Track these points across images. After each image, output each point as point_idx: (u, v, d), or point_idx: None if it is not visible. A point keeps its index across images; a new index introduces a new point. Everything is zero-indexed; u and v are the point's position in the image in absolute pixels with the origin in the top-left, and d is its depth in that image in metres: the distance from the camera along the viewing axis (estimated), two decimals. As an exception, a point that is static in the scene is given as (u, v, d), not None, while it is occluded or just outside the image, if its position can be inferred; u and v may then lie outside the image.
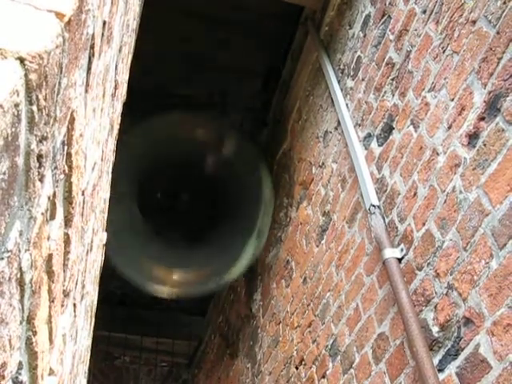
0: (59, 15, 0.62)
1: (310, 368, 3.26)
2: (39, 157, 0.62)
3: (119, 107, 2.34)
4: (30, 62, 0.52)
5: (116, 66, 1.81)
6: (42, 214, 0.71)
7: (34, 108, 0.56)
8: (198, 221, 5.36)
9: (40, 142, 0.61)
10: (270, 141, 5.08)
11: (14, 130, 0.50)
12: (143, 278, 4.70)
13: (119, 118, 2.44)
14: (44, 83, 0.57)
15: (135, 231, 4.84)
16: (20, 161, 0.55)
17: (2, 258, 0.54)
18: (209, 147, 4.81)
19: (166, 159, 4.88)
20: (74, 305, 1.44)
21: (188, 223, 5.44)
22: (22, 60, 0.52)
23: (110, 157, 2.28)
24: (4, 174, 0.49)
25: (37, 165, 0.62)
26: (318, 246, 3.48)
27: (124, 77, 2.36)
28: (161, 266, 4.91)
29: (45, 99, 0.59)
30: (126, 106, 2.66)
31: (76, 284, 1.40)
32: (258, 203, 4.71)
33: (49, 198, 0.75)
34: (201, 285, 4.92)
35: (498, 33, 1.98)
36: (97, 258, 2.19)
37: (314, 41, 4.07)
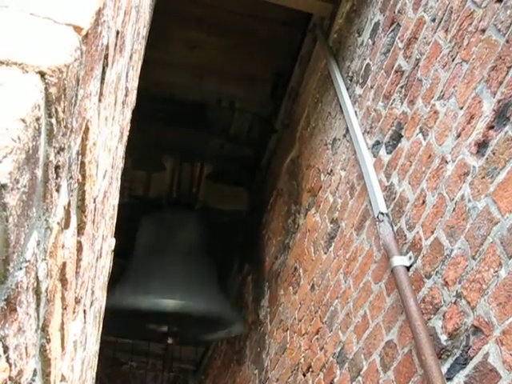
0: (77, 29, 0.63)
1: (318, 375, 3.25)
2: (57, 168, 0.63)
3: (129, 114, 2.36)
4: (51, 75, 0.53)
5: (127, 74, 1.82)
6: (58, 223, 0.72)
7: (53, 120, 0.56)
8: None
9: (58, 153, 0.62)
10: (279, 147, 5.10)
11: (34, 143, 0.51)
12: None
13: (129, 124, 2.45)
14: (63, 96, 0.58)
15: None
16: (39, 173, 0.56)
17: (21, 268, 0.55)
18: None
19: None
20: (84, 311, 1.45)
21: None
22: (42, 74, 0.53)
23: (120, 163, 2.29)
24: (25, 186, 0.50)
25: (54, 176, 0.63)
26: (326, 253, 3.48)
27: (134, 84, 2.38)
28: None
29: (63, 111, 0.60)
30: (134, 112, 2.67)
31: (86, 290, 1.40)
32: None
33: (64, 207, 0.75)
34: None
35: (507, 41, 1.98)
36: (105, 264, 2.20)
37: (323, 48, 4.08)
